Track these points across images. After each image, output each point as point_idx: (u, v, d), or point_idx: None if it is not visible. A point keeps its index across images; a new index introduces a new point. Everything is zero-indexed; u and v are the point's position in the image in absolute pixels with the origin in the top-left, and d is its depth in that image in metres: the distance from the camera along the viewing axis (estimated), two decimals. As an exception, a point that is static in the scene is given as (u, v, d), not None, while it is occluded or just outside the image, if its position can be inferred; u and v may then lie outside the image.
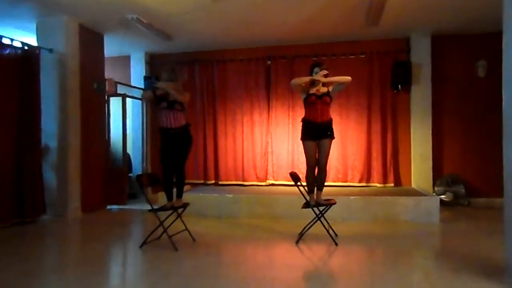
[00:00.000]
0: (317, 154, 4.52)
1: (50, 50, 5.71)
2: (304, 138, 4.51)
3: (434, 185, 6.68)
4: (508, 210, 3.00)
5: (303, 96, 4.50)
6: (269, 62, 7.32)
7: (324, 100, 4.47)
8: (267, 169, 7.30)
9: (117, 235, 5.09)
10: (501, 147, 3.10)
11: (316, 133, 4.46)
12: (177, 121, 4.44)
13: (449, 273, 3.30)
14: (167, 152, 4.45)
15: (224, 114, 7.49)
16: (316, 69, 4.46)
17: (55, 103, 5.81)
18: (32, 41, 5.88)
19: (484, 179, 6.52)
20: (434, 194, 6.37)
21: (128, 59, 7.83)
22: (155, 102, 4.48)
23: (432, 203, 5.36)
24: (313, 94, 4.44)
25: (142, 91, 4.49)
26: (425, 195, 5.70)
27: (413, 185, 6.76)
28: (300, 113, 6.84)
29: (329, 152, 4.55)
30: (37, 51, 5.62)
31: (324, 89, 4.47)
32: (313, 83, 4.43)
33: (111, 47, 6.91)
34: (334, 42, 7.02)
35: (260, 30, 6.51)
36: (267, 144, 7.31)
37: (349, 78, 4.48)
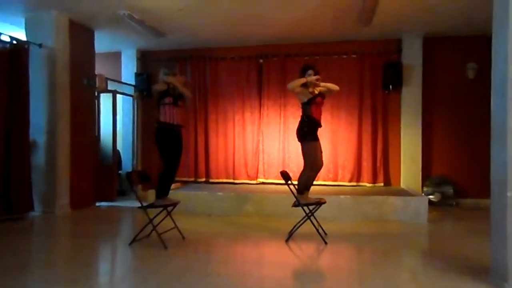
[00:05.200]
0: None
1: (40, 45, 5.64)
2: (314, 138, 4.51)
3: (423, 185, 6.74)
4: (494, 211, 3.04)
5: (304, 98, 4.48)
6: (261, 61, 7.32)
7: (323, 102, 4.57)
8: (258, 168, 7.30)
9: (106, 232, 5.06)
10: (489, 149, 3.14)
11: (317, 133, 4.55)
12: (178, 118, 4.43)
13: (436, 273, 3.34)
14: (174, 148, 4.41)
15: (216, 112, 7.48)
16: (309, 71, 4.48)
17: (44, 99, 5.74)
18: (21, 35, 5.80)
19: (472, 180, 6.60)
20: (422, 194, 6.44)
21: (119, 55, 7.77)
22: (157, 96, 4.39)
23: (421, 203, 5.41)
24: (319, 95, 4.48)
25: (153, 85, 4.37)
26: (414, 195, 5.76)
27: (402, 185, 6.82)
28: (292, 112, 6.97)
29: None
30: (26, 46, 5.54)
31: (320, 89, 4.53)
32: (305, 84, 4.46)
33: (102, 43, 6.84)
34: (326, 41, 7.04)
35: (252, 29, 6.50)
36: (258, 142, 7.31)
37: (338, 87, 4.64)
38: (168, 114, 4.35)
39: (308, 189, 4.57)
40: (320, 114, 4.57)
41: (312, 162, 4.51)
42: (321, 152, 4.60)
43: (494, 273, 3.00)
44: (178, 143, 4.47)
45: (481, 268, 3.28)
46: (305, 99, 4.48)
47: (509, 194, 2.82)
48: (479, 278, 3.11)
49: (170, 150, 4.40)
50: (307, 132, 4.48)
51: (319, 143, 4.58)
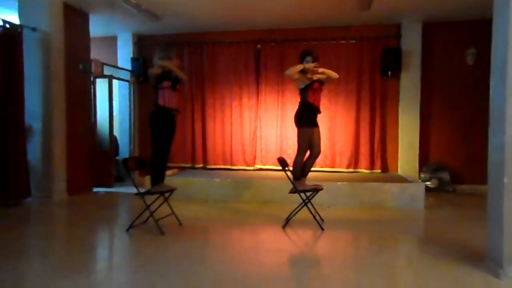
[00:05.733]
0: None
1: (33, 29, 5.54)
2: (311, 124, 4.49)
3: (420, 171, 6.75)
4: (491, 197, 3.05)
5: (302, 84, 4.46)
6: (259, 46, 7.22)
7: (322, 88, 4.55)
8: (255, 154, 7.29)
9: (103, 218, 5.06)
10: (486, 136, 3.12)
11: (315, 120, 4.52)
12: (176, 103, 4.41)
13: (432, 259, 3.36)
14: (167, 132, 4.40)
15: (213, 97, 7.41)
16: (307, 58, 4.43)
17: (39, 84, 5.67)
18: (14, 19, 5.69)
19: (469, 166, 6.62)
20: (419, 180, 6.45)
21: (115, 40, 7.66)
22: (154, 80, 4.34)
23: (418, 189, 5.42)
24: (317, 80, 4.45)
25: (149, 69, 4.35)
26: (411, 182, 5.77)
27: (400, 171, 6.83)
28: (289, 98, 6.92)
29: None
30: (20, 30, 5.44)
31: (318, 76, 4.49)
32: (303, 71, 4.42)
33: (97, 27, 6.74)
34: (325, 26, 6.95)
35: (250, 13, 6.40)
36: (255, 128, 7.28)
37: (337, 75, 4.59)
38: (167, 98, 4.32)
39: (305, 175, 4.57)
40: (319, 100, 4.55)
41: (306, 148, 4.49)
42: (319, 139, 4.58)
43: (490, 259, 3.02)
44: (171, 127, 4.44)
45: (477, 254, 3.31)
46: (302, 85, 4.45)
47: (506, 180, 2.82)
48: (474, 264, 3.13)
49: (163, 133, 4.37)
50: (305, 118, 4.46)
51: (318, 130, 4.56)
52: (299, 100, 4.56)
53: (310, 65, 4.39)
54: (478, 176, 6.17)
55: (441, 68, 6.81)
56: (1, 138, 5.26)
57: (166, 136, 4.39)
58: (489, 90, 3.10)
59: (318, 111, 4.52)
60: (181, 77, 4.45)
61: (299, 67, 4.41)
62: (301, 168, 4.52)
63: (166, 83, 4.31)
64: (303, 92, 4.48)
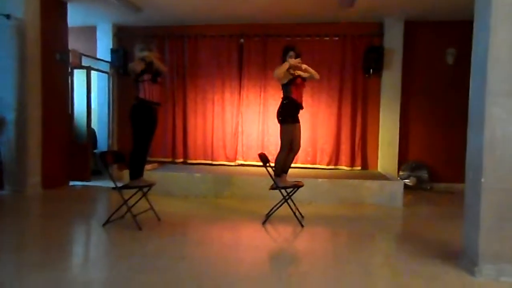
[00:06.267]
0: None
1: (7, 16, 5.35)
2: (294, 120, 4.47)
3: (399, 169, 6.84)
4: (468, 196, 3.09)
5: (285, 80, 4.42)
6: (242, 40, 7.15)
7: (305, 84, 4.54)
8: (236, 149, 7.24)
9: (79, 213, 4.93)
10: (464, 135, 3.16)
11: (297, 116, 4.51)
12: (157, 96, 4.35)
13: (409, 256, 3.39)
14: (149, 126, 4.33)
15: (195, 91, 7.32)
16: (291, 53, 4.41)
17: (13, 74, 5.48)
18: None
19: (446, 165, 6.73)
20: (398, 178, 6.53)
21: (94, 30, 7.45)
22: (134, 75, 4.26)
23: (396, 187, 5.48)
24: (299, 76, 4.42)
25: (130, 64, 4.28)
26: (390, 179, 5.83)
27: (379, 169, 6.89)
28: (272, 94, 6.89)
29: None
30: (-7, 17, 5.25)
31: (300, 73, 4.47)
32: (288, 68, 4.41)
33: (75, 16, 6.55)
34: (308, 22, 6.93)
35: (233, 6, 6.31)
36: (237, 124, 7.23)
37: (318, 76, 4.59)
38: (148, 91, 4.26)
39: (286, 171, 4.56)
40: (301, 96, 4.54)
41: (288, 145, 4.48)
42: (300, 134, 4.57)
43: (465, 257, 3.07)
44: (153, 121, 4.39)
45: (453, 252, 3.36)
46: (285, 80, 4.43)
47: (483, 179, 2.86)
48: (450, 262, 3.18)
49: (145, 127, 4.30)
50: (288, 114, 4.44)
51: (299, 126, 4.55)
52: (282, 96, 4.53)
53: (295, 61, 4.37)
54: (455, 175, 6.30)
55: (422, 67, 6.88)
56: (-28, 129, 5.07)
57: (147, 130, 4.33)
58: (468, 90, 3.14)
59: (300, 107, 4.51)
60: (162, 69, 4.38)
61: (286, 65, 4.37)
62: (287, 165, 4.51)
63: (146, 76, 4.24)
64: (286, 87, 4.45)
